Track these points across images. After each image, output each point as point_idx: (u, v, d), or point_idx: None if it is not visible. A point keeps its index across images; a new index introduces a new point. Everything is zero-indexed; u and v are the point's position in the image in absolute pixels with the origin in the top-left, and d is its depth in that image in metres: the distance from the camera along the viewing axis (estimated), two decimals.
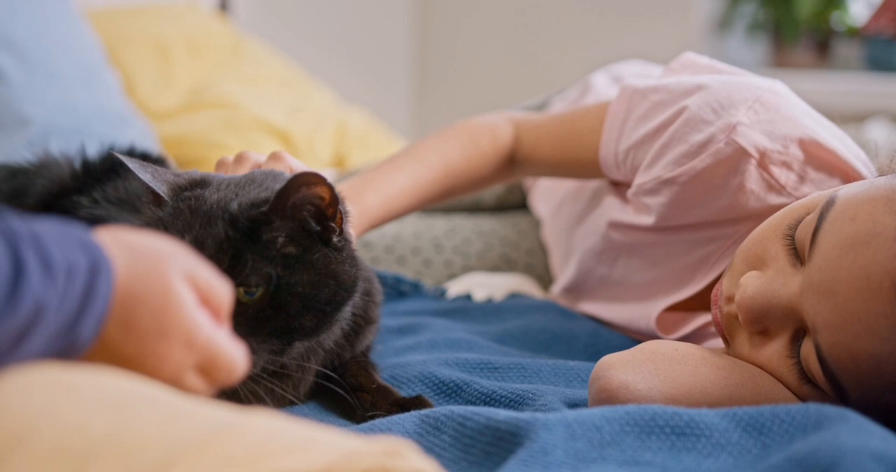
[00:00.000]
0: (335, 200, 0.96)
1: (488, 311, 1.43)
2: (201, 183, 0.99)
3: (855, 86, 3.24)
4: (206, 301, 0.74)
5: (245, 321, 0.93)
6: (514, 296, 1.51)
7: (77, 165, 1.24)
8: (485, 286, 1.55)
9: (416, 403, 1.04)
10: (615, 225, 1.33)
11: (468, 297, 1.52)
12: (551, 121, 1.41)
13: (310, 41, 3.54)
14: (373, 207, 1.26)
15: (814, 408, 0.85)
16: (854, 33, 3.48)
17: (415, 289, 1.53)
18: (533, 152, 1.40)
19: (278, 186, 0.94)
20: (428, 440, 0.92)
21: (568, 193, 1.60)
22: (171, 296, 0.71)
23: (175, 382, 0.72)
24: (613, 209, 1.34)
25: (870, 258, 0.89)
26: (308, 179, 0.93)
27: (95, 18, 2.46)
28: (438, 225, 1.73)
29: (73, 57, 2.19)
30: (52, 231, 0.66)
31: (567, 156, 1.38)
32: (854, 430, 0.78)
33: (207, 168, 1.12)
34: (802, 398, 0.97)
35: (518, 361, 1.17)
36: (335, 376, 1.07)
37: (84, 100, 2.14)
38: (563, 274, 1.49)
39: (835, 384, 0.93)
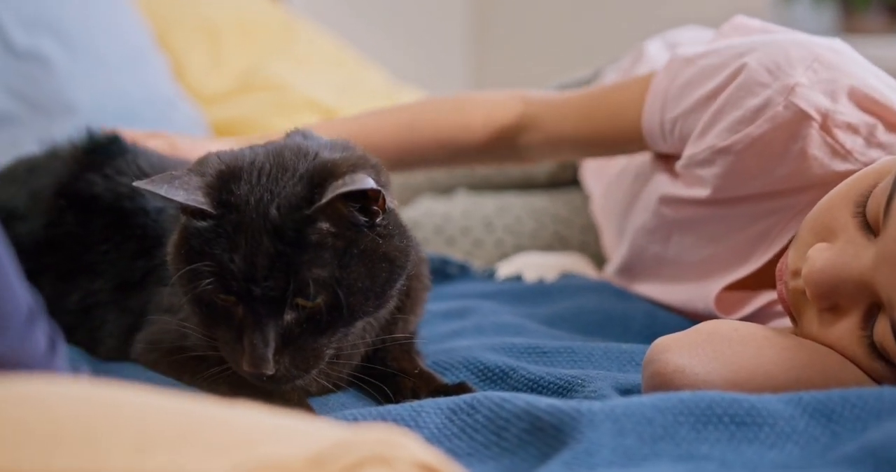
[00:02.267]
0: (372, 195, 0.91)
1: (539, 292, 1.36)
2: (230, 175, 0.93)
3: None
4: None
5: (311, 324, 0.91)
6: (566, 276, 1.44)
7: (81, 146, 1.21)
8: (536, 266, 1.48)
9: (459, 389, 0.98)
10: (667, 200, 1.25)
11: (518, 278, 1.45)
12: (579, 98, 1.34)
13: (363, 21, 3.49)
14: None
15: (888, 392, 0.77)
16: None
17: (462, 271, 1.47)
18: (559, 131, 1.33)
19: (309, 166, 0.92)
20: (461, 419, 0.86)
21: (618, 169, 1.52)
22: None
23: None
24: (664, 184, 1.26)
25: None
26: (344, 169, 0.90)
27: (143, 3, 2.43)
28: (488, 203, 1.67)
29: (120, 42, 2.16)
30: None
31: (601, 131, 1.30)
32: None
33: None
34: (876, 380, 0.90)
35: (568, 344, 1.10)
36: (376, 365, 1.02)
37: (131, 85, 2.12)
38: (616, 254, 1.42)
39: None
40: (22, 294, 0.62)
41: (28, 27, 1.98)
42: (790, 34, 1.17)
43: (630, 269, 1.37)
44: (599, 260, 1.59)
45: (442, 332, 1.20)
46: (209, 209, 0.90)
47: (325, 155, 0.95)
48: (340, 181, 0.89)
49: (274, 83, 2.48)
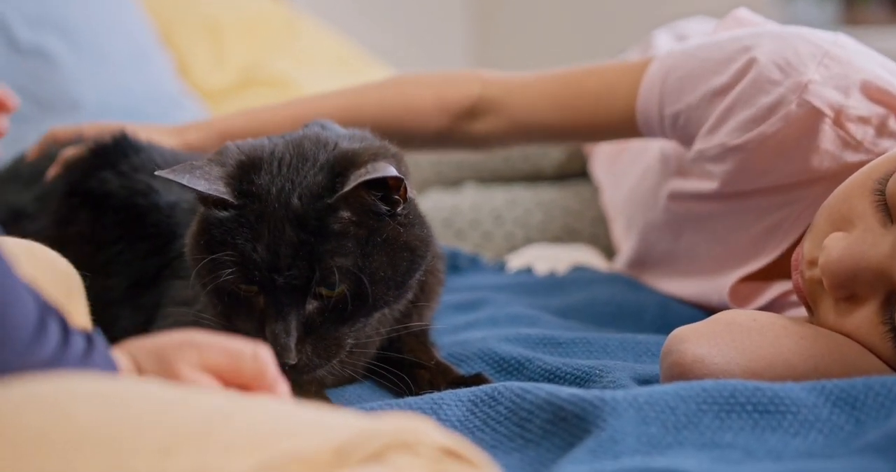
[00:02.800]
0: (395, 183, 0.91)
1: (551, 284, 1.36)
2: (250, 166, 0.93)
3: None
4: (234, 374, 0.70)
5: (333, 314, 0.91)
6: (577, 268, 1.44)
7: (91, 144, 1.20)
8: (547, 259, 1.48)
9: (476, 381, 0.98)
10: (675, 196, 1.24)
11: (529, 270, 1.45)
12: (550, 81, 1.28)
13: (365, 17, 3.48)
14: (233, 125, 1.26)
15: None
16: None
17: (472, 264, 1.47)
18: (528, 116, 1.28)
19: (329, 156, 0.92)
20: (482, 411, 0.86)
21: (626, 162, 1.52)
22: None
23: None
24: (672, 179, 1.26)
25: None
26: (365, 158, 0.90)
27: (147, 1, 2.43)
28: (498, 196, 1.67)
29: (125, 39, 2.16)
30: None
31: (581, 119, 1.25)
32: None
33: None
34: (895, 369, 0.89)
35: (583, 335, 1.10)
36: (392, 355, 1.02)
37: (136, 81, 2.11)
38: (626, 247, 1.41)
39: None
40: (29, 303, 0.61)
41: (33, 25, 1.97)
42: (791, 28, 1.15)
43: (641, 263, 1.37)
44: (609, 252, 1.58)
45: (456, 323, 1.20)
46: (231, 199, 0.90)
47: (345, 145, 0.95)
48: (363, 170, 0.89)
49: (277, 79, 2.48)
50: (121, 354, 0.69)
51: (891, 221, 0.88)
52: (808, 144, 1.08)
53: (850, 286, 0.90)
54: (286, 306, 0.89)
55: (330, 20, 3.09)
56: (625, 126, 1.23)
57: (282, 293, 0.89)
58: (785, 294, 1.15)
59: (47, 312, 0.62)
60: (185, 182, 0.89)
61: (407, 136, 1.27)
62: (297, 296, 0.89)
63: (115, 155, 1.16)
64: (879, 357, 0.90)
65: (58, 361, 0.62)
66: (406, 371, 1.01)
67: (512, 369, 1.03)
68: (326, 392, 0.99)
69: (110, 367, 0.66)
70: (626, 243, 1.44)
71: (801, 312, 1.08)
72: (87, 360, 0.64)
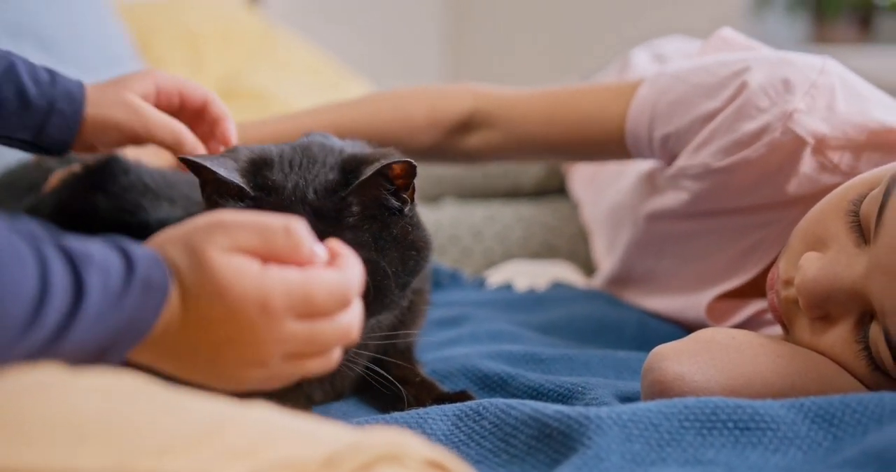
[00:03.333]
0: (408, 172, 0.94)
1: (531, 300, 1.38)
2: (262, 163, 0.96)
3: None
4: (269, 252, 0.70)
5: None
6: (557, 285, 1.46)
7: (83, 165, 1.21)
8: (526, 275, 1.50)
9: (461, 397, 1.00)
10: (654, 216, 1.27)
11: (509, 286, 1.46)
12: (545, 97, 1.30)
13: (341, 29, 3.50)
14: (282, 129, 1.28)
15: (888, 397, 0.79)
16: None
17: (453, 279, 1.48)
18: (522, 131, 1.30)
19: (338, 159, 0.95)
20: (467, 425, 0.88)
21: (607, 181, 1.54)
22: (220, 278, 0.68)
23: (283, 340, 0.70)
24: (651, 200, 1.28)
25: None
26: (376, 157, 0.93)
27: (125, 12, 2.44)
28: (477, 212, 1.68)
29: (104, 51, 2.16)
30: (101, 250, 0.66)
31: (571, 135, 1.27)
32: None
33: None
34: (869, 386, 0.92)
35: (565, 352, 1.12)
36: (379, 370, 1.03)
37: None
38: (606, 265, 1.44)
39: None
40: (21, 279, 0.60)
41: (11, 34, 1.97)
42: (781, 53, 1.18)
43: (620, 280, 1.39)
44: (587, 268, 1.61)
45: (438, 340, 1.21)
46: (248, 190, 0.92)
47: (351, 150, 0.98)
48: (377, 163, 0.92)
49: (255, 91, 2.49)
50: (154, 252, 0.69)
51: (864, 241, 0.91)
52: (788, 170, 1.11)
53: (824, 306, 0.92)
54: None
55: (305, 31, 3.11)
56: (614, 146, 1.26)
57: None
58: (760, 312, 1.17)
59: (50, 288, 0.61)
60: (209, 164, 0.90)
61: (400, 150, 1.28)
62: None
63: (105, 175, 1.17)
64: (853, 375, 0.92)
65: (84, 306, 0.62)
66: (391, 388, 1.02)
67: (495, 385, 1.05)
68: (314, 409, 1.00)
69: (161, 286, 0.67)
70: (606, 260, 1.46)
71: (776, 330, 1.11)
72: (128, 286, 0.65)
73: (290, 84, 2.58)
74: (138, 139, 1.03)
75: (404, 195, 0.95)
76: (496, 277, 1.52)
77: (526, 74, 3.75)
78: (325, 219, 0.91)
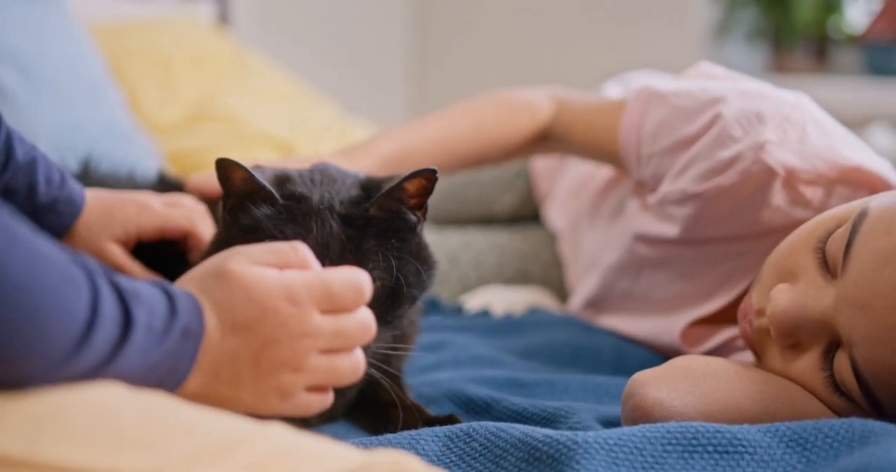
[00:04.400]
0: (422, 192, 0.99)
1: (509, 326, 1.42)
2: (285, 179, 1.01)
3: (854, 91, 3.24)
4: (284, 265, 0.78)
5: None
6: (533, 311, 1.50)
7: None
8: (503, 301, 1.54)
9: (449, 421, 1.04)
10: (641, 238, 1.32)
11: (486, 312, 1.51)
12: (587, 107, 1.42)
13: (309, 52, 3.54)
14: (389, 149, 1.30)
15: (858, 423, 0.85)
16: (852, 40, 3.49)
17: (432, 305, 1.52)
18: (567, 133, 1.42)
19: (356, 179, 1.02)
20: (458, 447, 0.91)
21: (585, 207, 1.59)
22: (246, 281, 0.75)
23: (314, 334, 0.77)
24: (638, 221, 1.34)
25: None
26: (408, 176, 0.98)
27: (98, 34, 2.45)
28: (453, 238, 1.72)
29: (79, 73, 2.18)
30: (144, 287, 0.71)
31: (595, 145, 1.39)
32: None
33: None
34: (836, 412, 0.97)
35: (546, 377, 1.16)
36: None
37: (90, 116, 2.13)
38: (584, 288, 1.49)
39: (871, 399, 0.92)
40: (75, 303, 0.64)
41: None
42: (758, 85, 1.24)
43: (598, 302, 1.44)
44: (560, 294, 1.65)
45: (422, 364, 1.25)
46: (278, 197, 0.96)
47: (364, 175, 1.04)
48: (397, 177, 0.97)
49: (227, 115, 2.51)
50: (192, 296, 0.75)
51: (832, 275, 0.96)
52: (760, 199, 1.17)
53: (794, 335, 0.98)
54: None
55: (272, 53, 3.14)
56: (618, 160, 1.35)
57: None
58: (732, 339, 1.23)
59: (100, 314, 0.65)
60: (247, 167, 0.95)
61: (509, 151, 1.46)
62: None
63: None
64: (822, 401, 0.98)
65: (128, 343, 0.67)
66: (382, 411, 1.06)
67: (480, 409, 1.09)
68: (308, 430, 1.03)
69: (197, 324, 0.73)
70: (584, 283, 1.51)
71: (747, 356, 1.17)
72: (170, 329, 0.71)
73: (262, 109, 2.61)
74: None
75: (417, 213, 1.01)
76: (473, 302, 1.56)
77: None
78: (352, 226, 0.96)
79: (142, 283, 0.71)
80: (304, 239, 0.94)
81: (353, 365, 0.80)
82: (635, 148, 1.29)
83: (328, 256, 0.94)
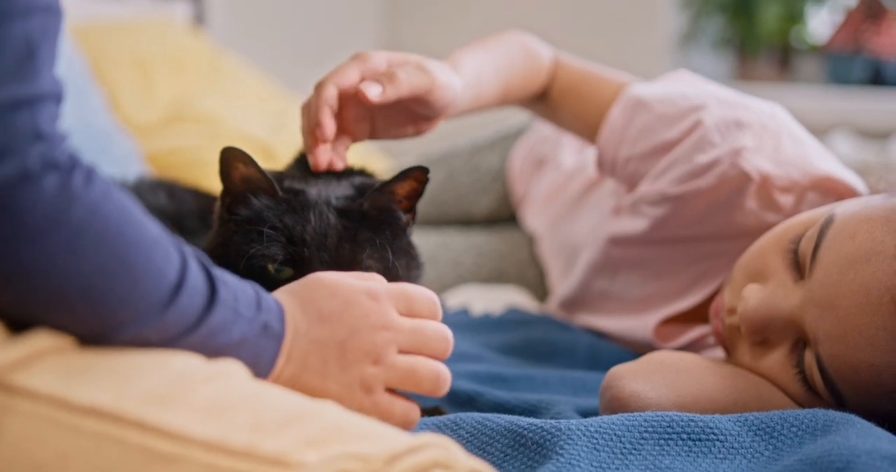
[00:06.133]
0: (411, 194, 1.04)
1: (489, 324, 1.47)
2: (280, 177, 1.05)
3: (815, 99, 3.31)
4: (365, 279, 0.87)
5: None
6: (511, 310, 1.56)
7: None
8: (482, 300, 1.60)
9: (434, 413, 1.09)
10: (615, 240, 1.38)
11: (466, 311, 1.56)
12: (586, 75, 1.41)
13: (284, 53, 3.57)
14: (467, 69, 1.24)
15: (821, 413, 0.91)
16: (814, 49, 3.57)
17: None
18: (562, 99, 1.41)
19: (350, 181, 1.06)
20: (445, 435, 0.95)
21: (562, 210, 1.65)
22: (331, 282, 0.84)
23: (394, 328, 0.84)
24: (611, 224, 1.39)
25: (870, 275, 0.95)
26: (406, 175, 1.02)
27: (77, 35, 2.48)
28: (431, 239, 1.78)
29: (61, 74, 2.19)
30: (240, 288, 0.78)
31: (583, 118, 1.39)
32: (863, 433, 0.84)
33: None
34: (802, 404, 1.04)
35: (526, 372, 1.22)
36: None
37: (72, 117, 2.12)
38: (562, 288, 1.54)
39: (834, 392, 0.99)
40: (165, 265, 0.70)
41: None
42: (737, 95, 1.30)
43: (575, 302, 1.50)
44: (536, 293, 1.71)
45: None
46: (278, 190, 1.00)
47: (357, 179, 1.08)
48: (391, 177, 1.02)
49: (205, 116, 2.54)
50: (279, 304, 0.81)
51: (800, 276, 1.03)
52: (735, 203, 1.23)
53: (764, 332, 1.05)
54: None
55: (250, 55, 3.17)
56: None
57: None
58: (703, 336, 1.29)
59: (187, 275, 0.71)
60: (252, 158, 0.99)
61: (528, 95, 1.40)
62: None
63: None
64: (788, 394, 1.04)
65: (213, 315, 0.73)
66: None
67: (464, 402, 1.14)
68: None
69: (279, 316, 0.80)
70: (562, 284, 1.57)
71: (718, 352, 1.23)
72: (253, 322, 0.76)
73: (240, 109, 2.64)
74: None
75: (407, 215, 1.06)
76: (452, 301, 1.62)
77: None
78: (349, 218, 1.00)
79: (234, 276, 0.77)
80: (303, 228, 0.98)
81: (434, 373, 0.86)
82: (614, 151, 1.33)
83: (326, 244, 0.98)
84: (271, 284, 0.97)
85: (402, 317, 0.85)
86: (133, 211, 0.69)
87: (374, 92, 1.05)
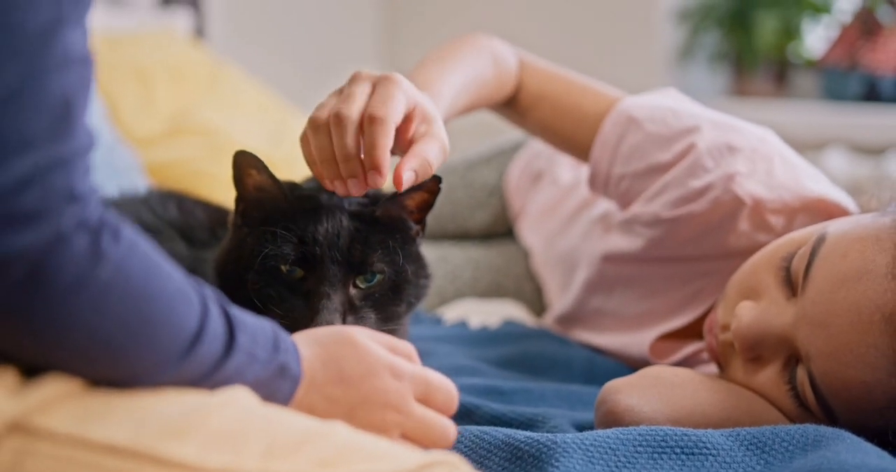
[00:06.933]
0: (422, 206, 1.07)
1: (487, 337, 1.49)
2: (293, 185, 1.08)
3: (811, 115, 3.34)
4: (395, 351, 0.86)
5: (368, 302, 1.04)
6: (508, 323, 1.58)
7: None
8: (479, 313, 1.62)
9: None
10: (609, 257, 1.40)
11: (464, 324, 1.58)
12: (560, 82, 1.40)
13: (284, 65, 3.59)
14: (443, 96, 1.21)
15: (811, 428, 0.93)
16: (811, 64, 3.59)
17: (412, 316, 1.59)
18: (532, 105, 1.40)
19: (360, 197, 1.07)
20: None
21: (559, 225, 1.67)
22: (362, 346, 0.83)
23: (406, 412, 0.84)
24: (605, 242, 1.41)
25: (861, 294, 0.97)
26: (419, 186, 1.04)
27: None
28: (428, 253, 1.77)
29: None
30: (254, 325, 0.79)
31: (563, 129, 1.39)
32: (852, 448, 0.86)
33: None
34: (793, 419, 1.05)
35: (523, 385, 1.23)
36: None
37: None
38: (559, 304, 1.56)
39: (826, 409, 1.01)
40: (185, 316, 0.71)
41: None
42: (727, 118, 1.31)
43: (571, 318, 1.51)
44: (533, 307, 1.73)
45: None
46: (289, 195, 1.02)
47: None
48: (410, 193, 1.05)
49: (205, 127, 2.55)
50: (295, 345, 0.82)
51: (793, 294, 1.05)
52: (728, 225, 1.25)
53: (757, 349, 1.07)
54: (330, 286, 1.00)
55: (249, 67, 3.19)
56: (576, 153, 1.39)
57: (331, 274, 1.01)
58: (697, 352, 1.31)
59: (205, 326, 0.72)
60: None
61: (493, 102, 1.39)
62: (343, 279, 1.01)
63: None
64: (780, 410, 1.06)
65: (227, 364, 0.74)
66: None
67: (462, 415, 1.15)
68: None
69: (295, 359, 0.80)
70: (559, 300, 1.58)
71: (712, 368, 1.25)
72: (269, 364, 0.77)
73: (240, 121, 2.66)
74: None
75: (417, 226, 1.09)
76: (450, 314, 1.63)
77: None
78: (361, 221, 1.03)
79: (250, 316, 0.78)
80: (315, 229, 1.00)
81: None
82: (607, 167, 1.34)
83: (338, 245, 1.00)
84: (284, 285, 1.01)
85: (416, 403, 0.85)
86: (156, 262, 0.70)
87: (408, 178, 1.00)
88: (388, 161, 0.97)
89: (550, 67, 1.42)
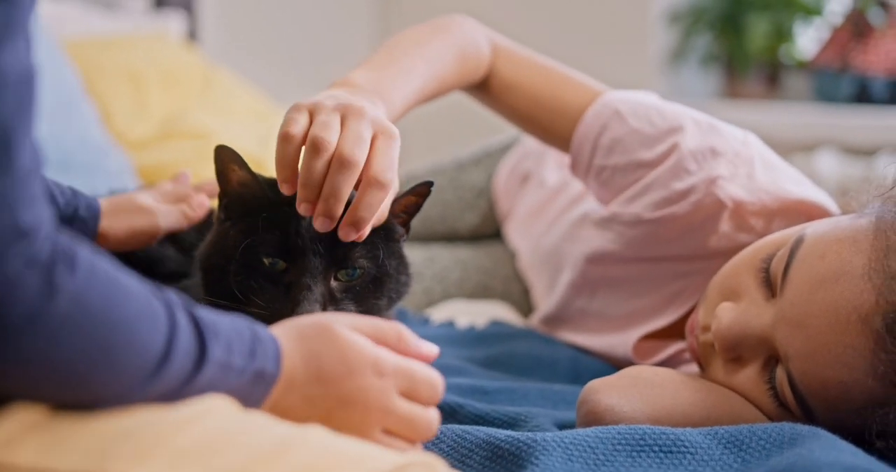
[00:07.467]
0: (409, 209, 1.09)
1: (473, 337, 1.50)
2: (274, 182, 1.06)
3: (803, 116, 3.35)
4: (380, 342, 0.84)
5: (349, 294, 1.04)
6: (495, 323, 1.59)
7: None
8: (467, 314, 1.63)
9: None
10: (591, 258, 1.41)
11: (451, 324, 1.59)
12: (538, 71, 1.41)
13: (276, 68, 3.60)
14: (395, 105, 1.23)
15: (788, 426, 0.94)
16: (802, 66, 3.61)
17: (401, 316, 1.60)
18: (506, 92, 1.41)
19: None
20: (426, 447, 0.98)
21: (544, 228, 1.68)
22: (344, 340, 0.81)
23: (388, 410, 0.82)
24: (589, 243, 1.42)
25: (838, 295, 0.98)
26: (410, 191, 1.07)
27: (69, 49, 2.50)
28: (416, 254, 1.80)
29: (55, 88, 2.21)
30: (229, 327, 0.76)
31: (540, 118, 1.39)
32: (826, 446, 0.87)
33: None
34: (772, 418, 1.06)
35: (507, 385, 1.24)
36: None
37: (66, 131, 2.17)
38: (544, 305, 1.57)
39: (804, 408, 1.02)
40: (150, 338, 0.69)
41: None
42: (710, 119, 1.32)
43: (555, 319, 1.53)
44: (520, 308, 1.74)
45: None
46: (271, 195, 1.03)
47: None
48: (401, 197, 1.07)
49: (197, 131, 2.55)
50: (277, 342, 0.80)
51: (772, 295, 1.06)
52: (709, 227, 1.27)
53: (736, 349, 1.07)
54: (312, 278, 1.01)
55: (242, 70, 3.20)
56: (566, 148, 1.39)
57: (311, 268, 1.01)
58: (680, 352, 1.32)
59: (176, 341, 0.70)
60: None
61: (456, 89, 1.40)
62: (323, 273, 1.02)
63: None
64: (759, 409, 1.07)
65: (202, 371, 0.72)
66: None
67: (446, 414, 1.15)
68: None
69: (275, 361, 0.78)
70: (545, 301, 1.59)
71: (693, 368, 1.26)
72: (243, 372, 0.75)
73: (231, 124, 2.67)
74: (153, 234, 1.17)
75: (402, 230, 1.11)
76: (438, 314, 1.64)
77: (453, 113, 3.88)
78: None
79: (227, 319, 0.76)
80: (298, 223, 1.01)
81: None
82: (588, 157, 1.34)
83: (320, 238, 1.01)
84: (266, 277, 1.01)
85: (399, 398, 0.83)
86: (117, 284, 0.67)
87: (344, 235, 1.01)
88: (340, 211, 0.97)
89: (529, 55, 1.43)
